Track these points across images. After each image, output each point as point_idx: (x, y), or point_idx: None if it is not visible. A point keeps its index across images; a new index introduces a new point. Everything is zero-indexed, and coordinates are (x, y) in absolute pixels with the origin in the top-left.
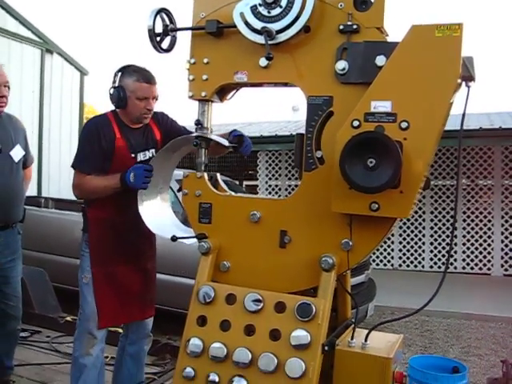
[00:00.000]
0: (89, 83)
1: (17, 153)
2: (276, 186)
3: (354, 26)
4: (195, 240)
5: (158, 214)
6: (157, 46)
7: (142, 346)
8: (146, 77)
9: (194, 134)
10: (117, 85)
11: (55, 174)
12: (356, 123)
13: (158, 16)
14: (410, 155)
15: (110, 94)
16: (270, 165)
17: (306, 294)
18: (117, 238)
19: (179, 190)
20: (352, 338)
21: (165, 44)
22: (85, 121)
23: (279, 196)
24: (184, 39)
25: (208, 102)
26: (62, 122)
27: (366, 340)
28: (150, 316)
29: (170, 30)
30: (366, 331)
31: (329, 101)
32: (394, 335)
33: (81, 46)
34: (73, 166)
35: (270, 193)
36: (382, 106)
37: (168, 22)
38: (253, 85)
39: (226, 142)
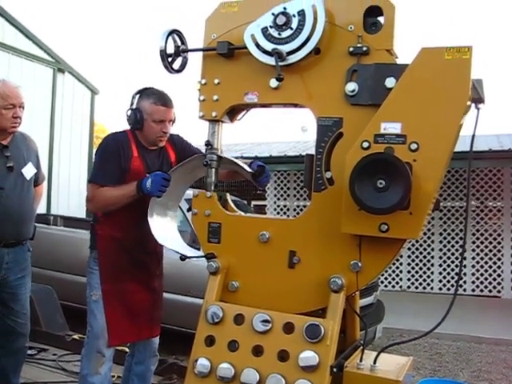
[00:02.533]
0: (100, 102)
1: (28, 170)
2: (284, 206)
3: (364, 48)
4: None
5: (166, 232)
6: (168, 66)
7: (148, 365)
8: (162, 100)
9: (222, 155)
10: (134, 107)
11: (64, 191)
12: (366, 144)
13: (170, 37)
14: (420, 177)
15: (128, 116)
16: (278, 185)
17: (314, 314)
18: (125, 256)
19: (189, 210)
20: (361, 360)
21: (176, 65)
22: (95, 140)
23: (288, 216)
24: (195, 60)
25: (218, 122)
26: (72, 141)
27: (374, 362)
28: (157, 335)
29: (182, 50)
30: (375, 353)
31: (339, 122)
32: (403, 357)
33: (92, 65)
34: (89, 180)
35: (278, 213)
36: (392, 127)
37: (179, 43)
38: (263, 106)
39: (247, 168)
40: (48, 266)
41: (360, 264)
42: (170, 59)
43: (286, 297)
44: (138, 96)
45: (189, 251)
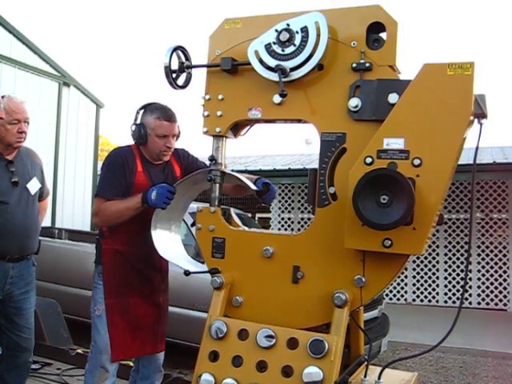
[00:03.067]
0: (104, 115)
1: (33, 185)
2: (289, 219)
3: (367, 64)
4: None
5: (169, 245)
6: (172, 82)
7: (153, 381)
8: (166, 115)
9: (226, 170)
10: (138, 122)
11: (69, 204)
12: (369, 160)
13: (174, 53)
14: (423, 192)
15: (132, 131)
16: (282, 198)
17: (318, 330)
18: (130, 271)
19: (193, 225)
20: (365, 376)
21: (180, 81)
22: (100, 153)
23: (292, 229)
24: (200, 76)
25: (222, 137)
26: (78, 154)
27: (379, 378)
28: (161, 350)
29: (186, 66)
30: (380, 369)
31: (342, 137)
32: (408, 373)
33: (97, 79)
34: (96, 194)
35: (282, 226)
36: (395, 143)
37: (184, 60)
38: (267, 121)
39: (252, 186)
40: (53, 279)
41: (364, 279)
42: (174, 75)
43: (290, 312)
44: (142, 111)
45: (192, 265)
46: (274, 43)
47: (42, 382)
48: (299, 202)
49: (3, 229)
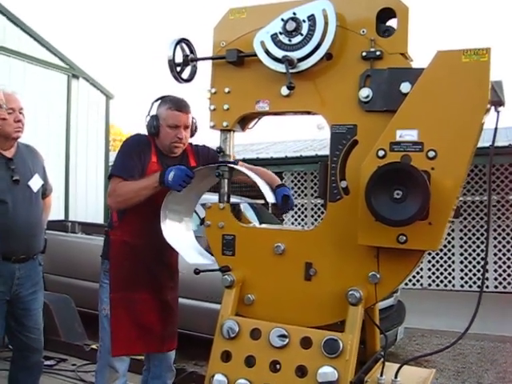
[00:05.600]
0: (116, 106)
1: (35, 182)
2: (302, 205)
3: (378, 53)
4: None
5: (180, 237)
6: (177, 76)
7: (165, 380)
8: (177, 105)
9: (237, 167)
10: (152, 113)
11: (82, 197)
12: (381, 153)
13: (178, 46)
14: (439, 185)
15: (146, 122)
16: (295, 184)
17: (332, 327)
18: (137, 264)
19: (202, 223)
20: (381, 375)
21: (185, 74)
22: (112, 142)
23: (305, 216)
24: (206, 68)
25: (230, 131)
26: (89, 146)
27: (396, 376)
28: (169, 349)
29: (190, 59)
30: (397, 366)
31: (353, 129)
32: (425, 370)
33: (106, 69)
34: (110, 174)
35: (295, 212)
36: (408, 134)
37: (188, 52)
38: (275, 114)
39: (270, 196)
40: (67, 273)
41: (378, 275)
42: (178, 69)
43: (303, 310)
44: (156, 103)
45: (203, 256)
46: (281, 33)
47: (58, 379)
48: (312, 188)
49: (7, 229)
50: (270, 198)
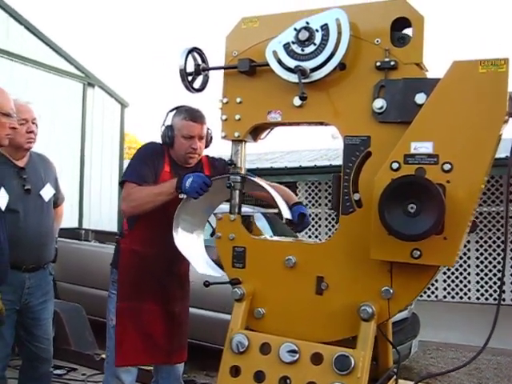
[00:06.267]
0: (131, 114)
1: (47, 192)
2: (316, 215)
3: (392, 63)
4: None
5: (191, 247)
6: (188, 85)
7: None
8: (192, 115)
9: (252, 178)
10: (167, 123)
11: (96, 204)
12: (395, 165)
13: (190, 55)
14: (454, 199)
15: (161, 132)
16: (309, 194)
17: (344, 342)
18: (145, 274)
19: (212, 234)
20: None
21: (197, 83)
22: (127, 150)
23: (319, 226)
24: (218, 77)
25: (241, 142)
26: (103, 154)
27: None
28: (177, 362)
29: (202, 69)
30: None
31: (366, 141)
32: None
33: (122, 78)
34: (122, 180)
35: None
36: (423, 147)
37: (200, 62)
38: (287, 124)
39: (286, 212)
40: (79, 281)
41: (391, 291)
42: (190, 78)
43: (314, 324)
44: (172, 113)
45: (211, 268)
46: (293, 42)
47: None
48: (326, 198)
49: (17, 238)
50: (287, 213)
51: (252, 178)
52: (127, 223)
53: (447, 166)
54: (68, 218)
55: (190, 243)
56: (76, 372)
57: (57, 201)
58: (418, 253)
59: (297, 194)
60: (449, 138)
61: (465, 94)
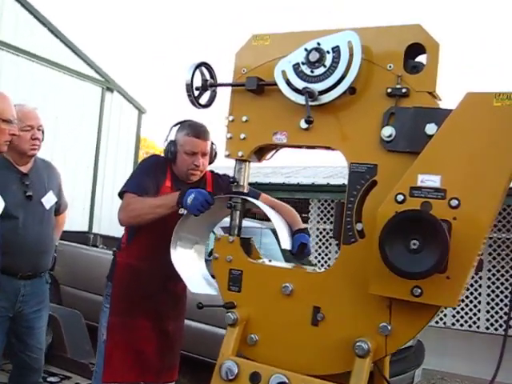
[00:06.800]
0: (150, 119)
1: (48, 199)
2: (326, 230)
3: (404, 90)
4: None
5: (189, 264)
6: (194, 101)
7: None
8: (195, 131)
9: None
10: (171, 138)
11: (107, 209)
12: (400, 198)
13: (198, 70)
14: (460, 237)
15: (164, 147)
16: (321, 211)
17: (337, 376)
18: (139, 290)
19: (210, 255)
20: None
21: (203, 99)
22: (142, 157)
23: (330, 244)
24: (225, 93)
25: (245, 161)
26: (118, 159)
27: None
28: (167, 381)
29: (210, 85)
30: None
31: (373, 169)
32: None
33: (141, 84)
34: (122, 191)
35: (319, 238)
36: (430, 180)
37: (208, 77)
38: (292, 146)
39: (286, 242)
40: (82, 286)
41: (389, 327)
42: (196, 93)
43: (307, 356)
44: (175, 128)
45: (209, 285)
46: (303, 63)
47: None
48: None
49: (15, 245)
50: (285, 243)
51: (253, 201)
52: (127, 237)
53: (454, 202)
54: (78, 220)
55: (188, 260)
56: (69, 380)
57: (59, 208)
58: (419, 291)
59: (309, 211)
60: (458, 173)
61: (477, 128)
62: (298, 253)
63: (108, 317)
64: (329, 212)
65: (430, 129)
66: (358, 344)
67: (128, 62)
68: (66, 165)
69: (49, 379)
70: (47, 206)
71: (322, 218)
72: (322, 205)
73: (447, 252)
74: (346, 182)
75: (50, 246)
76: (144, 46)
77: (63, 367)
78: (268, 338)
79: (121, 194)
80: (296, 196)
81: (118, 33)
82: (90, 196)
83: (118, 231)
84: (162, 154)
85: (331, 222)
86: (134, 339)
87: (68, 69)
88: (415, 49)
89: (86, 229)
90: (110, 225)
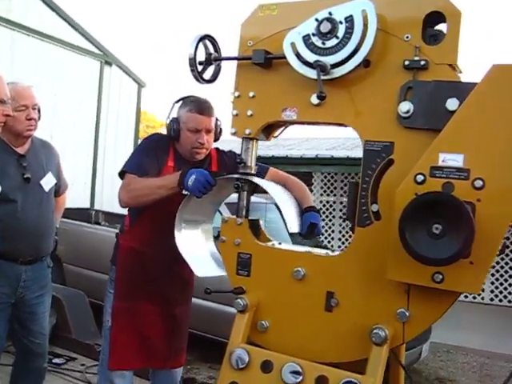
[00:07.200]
0: (150, 93)
1: (48, 181)
2: (329, 203)
3: (422, 62)
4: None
5: (196, 246)
6: (198, 75)
7: None
8: (199, 107)
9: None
10: (173, 115)
11: (108, 185)
12: (420, 178)
13: (201, 43)
14: (484, 220)
15: (167, 125)
16: (325, 184)
17: (353, 364)
18: (144, 273)
19: (216, 238)
20: None
21: (207, 74)
22: (146, 129)
23: (333, 216)
24: (230, 67)
25: (252, 139)
26: (118, 134)
27: None
28: (174, 366)
29: (214, 59)
30: None
31: (389, 147)
32: None
33: (140, 57)
34: (122, 171)
35: (323, 210)
36: (453, 159)
37: (212, 51)
38: (303, 123)
39: (294, 224)
40: (86, 265)
41: (408, 313)
42: (200, 68)
43: (320, 343)
44: (177, 104)
45: (219, 267)
46: (314, 35)
47: (64, 379)
48: (341, 188)
49: (14, 229)
50: (293, 226)
51: (259, 183)
52: (129, 219)
53: (479, 183)
54: (80, 197)
55: (195, 241)
56: (75, 362)
57: (58, 189)
58: (441, 277)
59: (312, 183)
60: (482, 151)
61: (503, 102)
62: (308, 233)
63: (112, 302)
64: (332, 185)
65: (452, 104)
66: (374, 331)
67: (126, 35)
68: (66, 141)
69: (54, 361)
70: (46, 188)
71: (325, 191)
72: (325, 177)
73: (472, 237)
74: (349, 155)
75: (51, 229)
76: (143, 18)
77: (68, 348)
78: (279, 325)
79: (121, 174)
80: (300, 169)
81: (115, 5)
82: (90, 172)
83: (120, 208)
84: (165, 132)
85: (334, 195)
86: (139, 324)
87: (65, 43)
88: (434, 17)
89: (87, 205)
90: (111, 201)
